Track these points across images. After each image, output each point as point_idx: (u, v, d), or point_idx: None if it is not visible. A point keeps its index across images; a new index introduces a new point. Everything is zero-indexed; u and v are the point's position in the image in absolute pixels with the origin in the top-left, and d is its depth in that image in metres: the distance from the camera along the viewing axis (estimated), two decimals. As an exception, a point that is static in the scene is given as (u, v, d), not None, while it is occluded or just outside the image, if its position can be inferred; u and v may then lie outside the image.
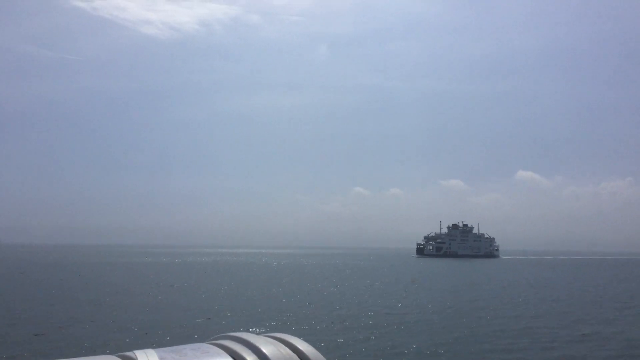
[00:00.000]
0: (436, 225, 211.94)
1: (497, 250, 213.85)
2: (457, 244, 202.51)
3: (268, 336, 2.23)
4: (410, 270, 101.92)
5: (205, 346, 2.10)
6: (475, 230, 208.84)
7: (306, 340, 2.19)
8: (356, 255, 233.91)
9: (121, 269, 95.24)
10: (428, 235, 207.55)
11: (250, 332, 2.23)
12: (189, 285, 59.94)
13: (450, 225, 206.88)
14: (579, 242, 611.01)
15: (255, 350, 2.05)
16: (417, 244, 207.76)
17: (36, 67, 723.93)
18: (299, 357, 2.09)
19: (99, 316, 34.00)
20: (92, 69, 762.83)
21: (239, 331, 2.27)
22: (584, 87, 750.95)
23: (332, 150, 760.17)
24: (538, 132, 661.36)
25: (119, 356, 1.96)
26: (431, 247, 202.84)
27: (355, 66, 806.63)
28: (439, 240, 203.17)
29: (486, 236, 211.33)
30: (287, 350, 2.10)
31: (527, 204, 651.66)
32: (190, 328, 30.12)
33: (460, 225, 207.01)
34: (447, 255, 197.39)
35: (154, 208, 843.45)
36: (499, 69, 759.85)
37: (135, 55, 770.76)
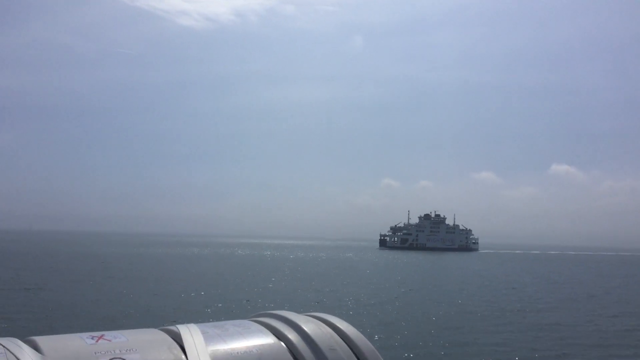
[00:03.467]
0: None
1: (474, 243, 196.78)
2: (426, 235, 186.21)
3: (308, 315, 2.20)
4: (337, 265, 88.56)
5: (246, 322, 2.11)
6: (449, 222, 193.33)
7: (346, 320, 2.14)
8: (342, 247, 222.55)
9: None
10: (395, 225, 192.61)
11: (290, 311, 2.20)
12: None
13: (422, 216, 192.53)
14: (615, 238, 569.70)
15: (296, 328, 2.03)
16: (381, 235, 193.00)
17: (75, 59, 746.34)
18: (339, 335, 2.06)
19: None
20: (130, 61, 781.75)
21: (280, 309, 2.25)
22: (622, 79, 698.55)
23: (363, 141, 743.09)
24: (574, 124, 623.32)
25: (162, 330, 1.96)
26: (395, 239, 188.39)
27: (390, 57, 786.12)
28: (405, 232, 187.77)
29: (461, 227, 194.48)
30: (327, 329, 2.07)
31: (561, 199, 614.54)
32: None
33: (433, 215, 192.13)
34: (413, 247, 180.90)
35: (185, 198, 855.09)
36: (536, 60, 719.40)
37: (171, 47, 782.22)
